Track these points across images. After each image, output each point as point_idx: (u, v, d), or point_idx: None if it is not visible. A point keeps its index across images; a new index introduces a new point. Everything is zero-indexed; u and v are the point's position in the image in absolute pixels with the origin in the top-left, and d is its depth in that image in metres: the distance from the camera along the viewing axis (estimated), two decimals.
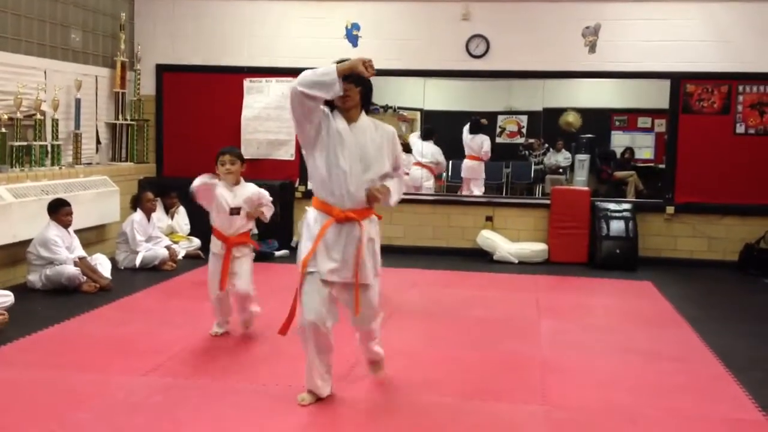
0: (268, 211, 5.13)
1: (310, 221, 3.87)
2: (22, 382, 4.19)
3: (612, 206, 8.57)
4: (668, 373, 4.70)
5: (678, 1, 8.35)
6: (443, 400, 4.07)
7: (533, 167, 12.66)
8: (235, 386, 4.20)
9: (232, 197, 4.99)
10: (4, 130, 6.66)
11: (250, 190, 5.08)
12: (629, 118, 13.24)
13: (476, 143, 11.04)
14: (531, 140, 13.21)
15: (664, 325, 5.91)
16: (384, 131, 3.92)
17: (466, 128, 11.21)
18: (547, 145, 12.81)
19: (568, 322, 5.94)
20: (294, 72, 8.48)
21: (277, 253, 8.21)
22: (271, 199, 5.19)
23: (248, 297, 5.08)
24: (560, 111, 13.02)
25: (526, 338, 5.40)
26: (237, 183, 5.03)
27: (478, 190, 10.83)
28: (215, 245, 5.05)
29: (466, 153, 11.08)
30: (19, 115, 6.84)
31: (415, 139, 11.21)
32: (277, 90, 8.84)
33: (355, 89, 3.77)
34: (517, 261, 8.35)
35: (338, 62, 3.66)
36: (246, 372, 4.47)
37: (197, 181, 4.81)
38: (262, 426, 3.68)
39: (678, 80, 8.42)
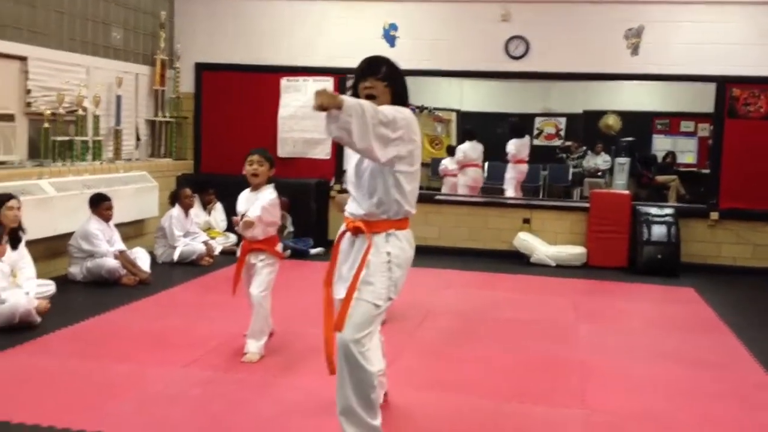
0: (256, 228, 4.56)
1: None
2: (63, 372, 4.23)
3: (654, 211, 8.42)
4: (709, 379, 4.61)
5: (724, 4, 8.18)
6: (481, 402, 4.02)
7: (571, 170, 12.55)
8: (272, 381, 4.19)
9: (246, 203, 4.64)
10: (47, 125, 6.75)
11: (266, 197, 4.61)
12: (671, 121, 13.09)
13: (525, 146, 11.05)
14: (568, 143, 13.10)
15: (706, 332, 5.79)
16: None
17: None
18: (584, 148, 12.69)
19: (606, 326, 5.85)
20: (331, 71, 8.75)
21: (312, 251, 8.21)
22: (279, 214, 4.74)
23: (258, 306, 4.61)
24: (600, 113, 12.90)
25: (563, 341, 5.33)
26: (259, 186, 4.65)
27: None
28: (239, 251, 4.81)
29: (518, 157, 11.01)
30: (61, 110, 6.93)
31: (461, 147, 11.22)
32: (314, 89, 8.80)
33: (386, 89, 3.33)
34: (554, 264, 8.25)
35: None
36: (283, 368, 4.45)
37: None
38: (299, 422, 3.66)
39: (723, 84, 8.26)
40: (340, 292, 3.26)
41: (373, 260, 3.17)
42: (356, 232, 3.27)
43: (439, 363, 4.67)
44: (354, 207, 3.29)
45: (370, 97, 3.21)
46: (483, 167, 11.38)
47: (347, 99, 2.91)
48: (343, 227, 3.37)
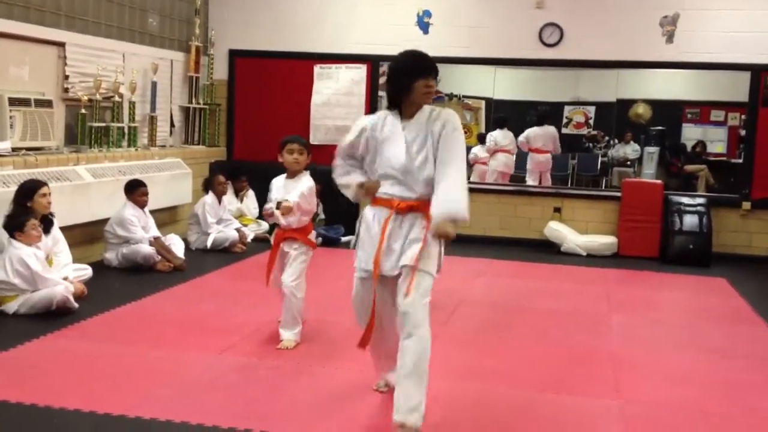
0: (294, 215, 4.62)
1: None
2: (102, 357, 4.32)
3: (686, 200, 8.37)
4: (744, 370, 4.60)
5: None
6: (516, 392, 4.04)
7: (600, 159, 12.46)
8: (308, 369, 4.24)
9: (284, 191, 4.67)
10: (83, 111, 6.84)
11: (305, 184, 4.68)
12: (702, 110, 12.91)
13: (542, 136, 10.97)
14: (593, 132, 13.01)
15: (739, 323, 5.76)
16: None
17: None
18: (607, 138, 12.60)
19: (639, 316, 5.84)
20: (364, 59, 8.75)
21: (344, 239, 8.25)
22: (315, 202, 4.87)
23: (291, 295, 4.62)
24: (631, 102, 12.76)
25: (596, 332, 5.33)
26: (297, 174, 4.71)
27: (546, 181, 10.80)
28: (272, 236, 4.87)
29: (533, 146, 10.98)
30: (98, 96, 7.02)
31: (492, 133, 11.22)
32: (347, 76, 8.88)
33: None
34: (585, 254, 8.23)
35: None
36: (319, 355, 4.50)
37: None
38: (336, 408, 3.71)
39: (758, 72, 8.16)
40: (388, 267, 3.48)
41: (429, 237, 3.42)
42: (408, 211, 3.47)
43: (473, 353, 4.70)
44: (401, 190, 3.49)
45: (429, 95, 3.48)
46: (513, 154, 11.34)
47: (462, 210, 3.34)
48: (382, 210, 3.52)
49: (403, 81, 3.48)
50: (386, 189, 3.53)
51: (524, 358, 4.68)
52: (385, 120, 3.57)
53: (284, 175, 4.77)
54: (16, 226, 5.14)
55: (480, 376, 4.28)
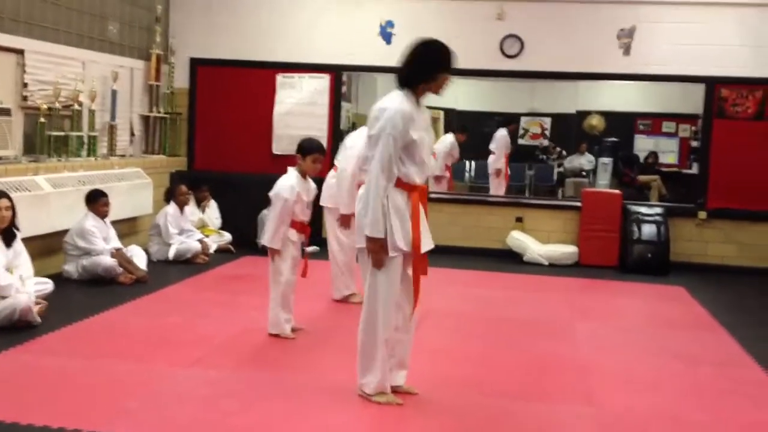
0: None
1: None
2: (68, 371, 4.21)
3: (644, 210, 8.53)
4: (711, 377, 4.69)
5: (714, 6, 8.28)
6: (488, 400, 4.06)
7: (556, 170, 12.66)
8: (281, 380, 4.20)
9: (308, 190, 5.15)
10: (42, 120, 6.69)
11: (312, 183, 5.24)
12: (653, 122, 13.21)
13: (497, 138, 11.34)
14: (545, 143, 13.22)
15: (701, 330, 5.88)
16: None
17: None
18: (558, 149, 12.81)
19: (603, 324, 5.92)
20: (327, 68, 8.74)
21: (308, 249, 8.17)
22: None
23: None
24: (586, 113, 12.99)
25: (562, 339, 5.39)
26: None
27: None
28: (294, 235, 5.05)
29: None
30: (57, 105, 6.87)
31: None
32: (310, 86, 8.86)
33: None
34: (547, 263, 8.32)
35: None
36: (291, 365, 4.47)
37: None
38: (311, 420, 3.67)
39: (712, 84, 8.37)
40: (428, 244, 3.85)
41: None
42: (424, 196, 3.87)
43: (444, 361, 4.70)
44: (422, 178, 3.82)
45: (444, 89, 3.77)
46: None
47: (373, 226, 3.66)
48: (409, 194, 3.75)
49: (430, 68, 3.64)
50: (413, 176, 3.74)
51: (495, 366, 4.70)
52: (411, 107, 3.70)
53: (295, 174, 5.06)
54: None
55: (453, 384, 4.28)
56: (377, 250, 3.67)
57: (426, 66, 3.70)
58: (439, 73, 3.71)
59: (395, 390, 3.94)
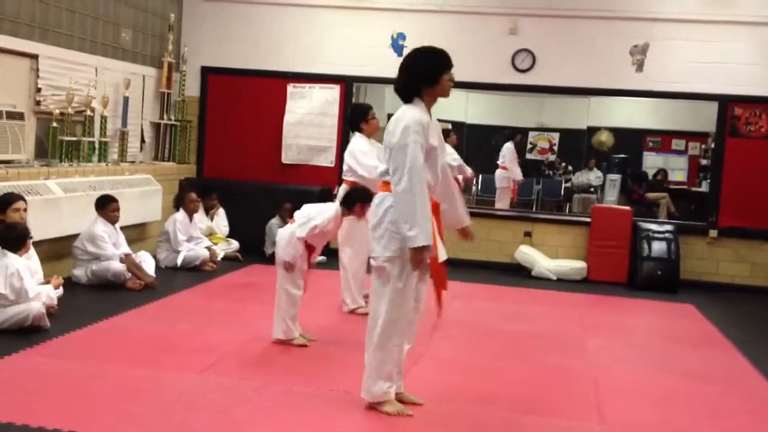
0: None
1: None
2: (78, 374, 4.19)
3: (654, 227, 8.49)
4: (722, 394, 4.65)
5: (728, 24, 8.28)
6: (499, 413, 4.03)
7: (563, 185, 12.64)
8: (291, 388, 4.17)
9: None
10: (55, 124, 6.70)
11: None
12: (663, 139, 13.19)
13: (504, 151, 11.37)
14: (551, 159, 13.21)
15: (711, 348, 5.84)
16: None
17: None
18: (564, 164, 12.79)
19: (613, 340, 5.89)
20: (338, 79, 8.75)
21: (318, 259, 8.14)
22: None
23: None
24: (596, 129, 12.98)
25: (573, 354, 5.36)
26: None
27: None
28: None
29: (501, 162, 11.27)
30: (70, 110, 6.88)
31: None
32: (321, 96, 8.86)
33: None
34: (555, 278, 8.28)
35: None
36: (300, 373, 4.44)
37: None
38: (323, 428, 3.65)
39: (725, 103, 8.35)
40: (442, 255, 3.84)
41: None
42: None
43: (456, 374, 4.67)
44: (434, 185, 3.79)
45: (450, 89, 3.73)
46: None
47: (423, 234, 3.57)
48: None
49: (429, 73, 3.60)
50: (430, 182, 3.73)
51: (504, 379, 4.67)
52: (426, 116, 3.68)
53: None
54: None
55: (462, 396, 4.25)
56: (425, 256, 3.63)
57: (428, 71, 3.67)
58: (442, 75, 3.67)
59: (398, 398, 3.90)
